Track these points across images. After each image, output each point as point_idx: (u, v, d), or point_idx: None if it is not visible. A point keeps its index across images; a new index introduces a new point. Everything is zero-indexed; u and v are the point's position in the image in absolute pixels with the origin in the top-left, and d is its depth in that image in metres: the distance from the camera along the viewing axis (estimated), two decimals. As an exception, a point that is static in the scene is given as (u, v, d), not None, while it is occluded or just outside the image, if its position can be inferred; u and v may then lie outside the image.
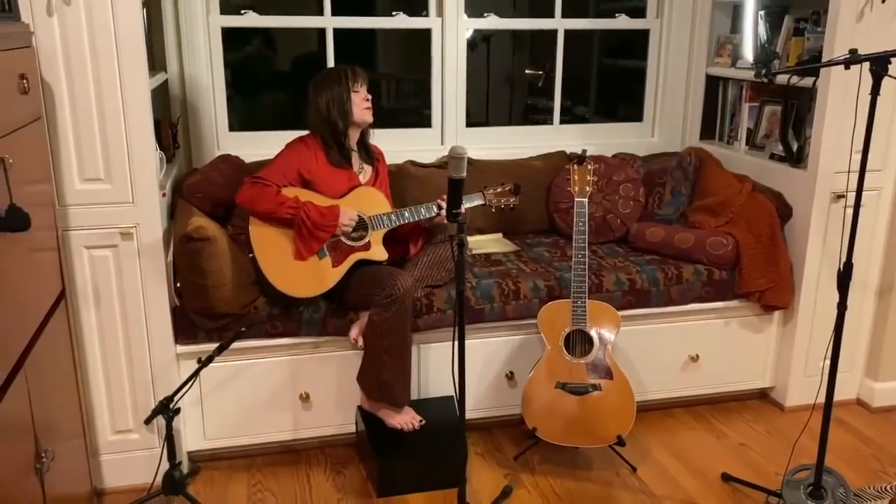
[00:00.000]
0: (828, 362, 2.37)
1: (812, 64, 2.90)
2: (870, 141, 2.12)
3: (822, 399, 2.41)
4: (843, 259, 2.25)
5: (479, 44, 4.43)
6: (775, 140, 3.26)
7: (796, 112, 3.18)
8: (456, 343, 2.13)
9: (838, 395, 3.19)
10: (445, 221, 2.76)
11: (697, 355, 3.11)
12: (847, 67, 2.09)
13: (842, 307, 2.27)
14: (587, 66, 4.60)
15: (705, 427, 3.10)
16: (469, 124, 3.63)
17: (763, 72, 2.62)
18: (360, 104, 2.73)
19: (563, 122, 3.76)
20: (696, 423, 3.13)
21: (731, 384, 3.22)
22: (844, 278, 2.23)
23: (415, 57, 3.63)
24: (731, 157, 3.45)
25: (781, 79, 3.06)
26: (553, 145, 3.64)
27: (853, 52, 2.07)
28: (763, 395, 3.32)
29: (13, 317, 1.80)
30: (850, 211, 2.23)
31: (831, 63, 2.18)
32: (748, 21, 3.24)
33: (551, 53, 3.68)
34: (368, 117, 2.77)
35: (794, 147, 3.14)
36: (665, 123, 3.81)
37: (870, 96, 2.06)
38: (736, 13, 3.54)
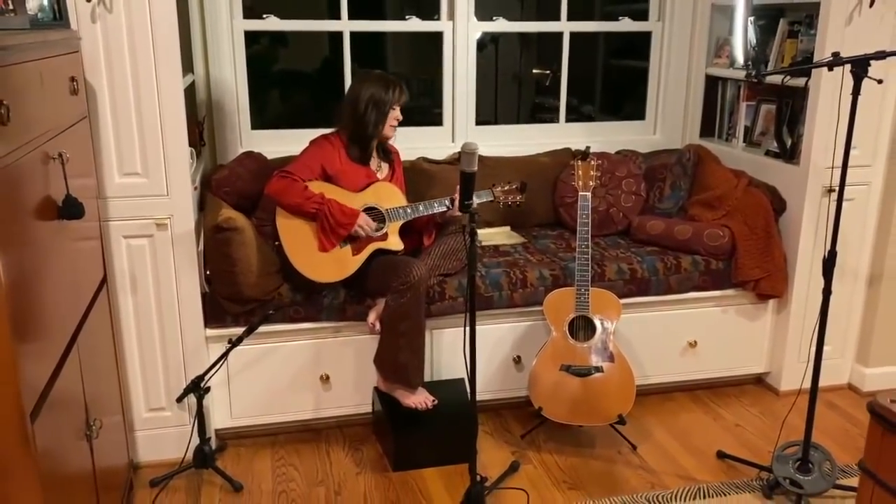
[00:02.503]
0: (815, 346, 2.53)
1: (798, 66, 3.06)
2: (851, 137, 2.29)
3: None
4: (829, 248, 2.42)
5: (488, 45, 4.58)
6: (771, 137, 3.43)
7: (791, 110, 3.34)
8: (467, 329, 2.30)
9: (831, 381, 3.39)
10: (458, 214, 2.94)
11: (695, 342, 3.28)
12: (830, 69, 2.25)
13: (827, 292, 2.43)
14: (593, 66, 4.75)
15: (703, 409, 3.27)
16: (477, 122, 3.80)
17: (753, 73, 2.78)
18: (392, 121, 2.91)
19: (569, 120, 3.93)
20: (695, 405, 3.30)
21: (728, 369, 3.38)
22: (829, 265, 2.40)
23: (424, 57, 3.79)
24: (730, 153, 3.62)
25: (776, 79, 3.22)
26: (559, 142, 3.81)
27: (835, 55, 2.24)
28: (759, 380, 3.48)
29: (68, 299, 1.98)
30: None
31: (815, 65, 2.35)
32: (738, 25, 3.41)
33: (558, 53, 3.85)
34: (391, 134, 2.95)
35: (788, 144, 3.30)
36: (666, 122, 3.98)
37: (851, 96, 2.22)
38: (734, 16, 3.70)
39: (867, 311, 3.35)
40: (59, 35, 2.09)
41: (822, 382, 3.23)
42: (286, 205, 2.79)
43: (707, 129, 3.88)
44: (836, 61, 2.22)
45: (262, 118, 3.74)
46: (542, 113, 4.82)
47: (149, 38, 2.46)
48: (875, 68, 2.28)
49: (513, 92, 5.09)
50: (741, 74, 3.52)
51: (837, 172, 3.02)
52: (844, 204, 3.12)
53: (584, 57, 4.31)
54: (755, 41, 3.31)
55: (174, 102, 2.54)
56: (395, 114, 2.90)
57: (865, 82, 2.22)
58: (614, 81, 4.68)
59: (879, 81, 2.23)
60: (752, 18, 3.32)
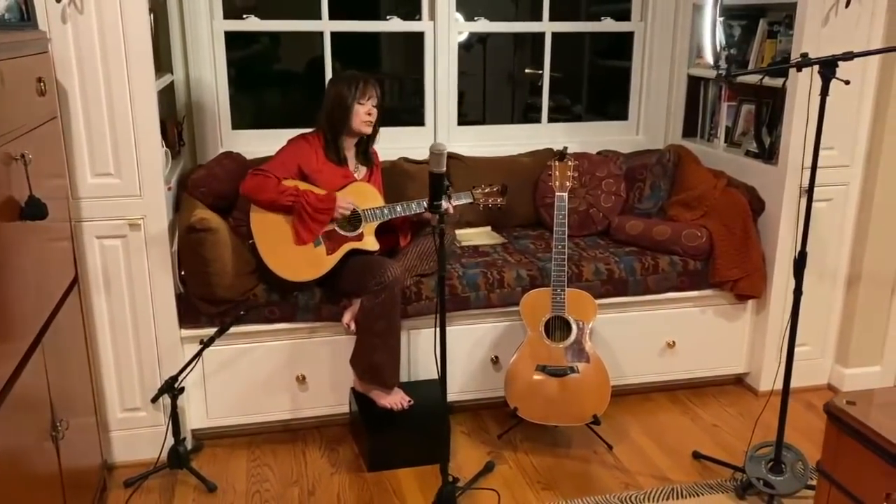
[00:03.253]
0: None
1: (770, 67, 3.06)
2: (820, 138, 2.29)
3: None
4: (799, 248, 2.42)
5: (476, 45, 4.58)
6: (751, 137, 3.42)
7: (771, 111, 3.34)
8: (438, 330, 2.31)
9: (810, 381, 3.39)
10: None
11: (674, 342, 3.27)
12: (799, 70, 2.25)
13: (798, 293, 2.43)
14: (580, 66, 4.75)
15: (681, 410, 3.27)
16: (467, 123, 3.79)
17: (722, 73, 2.78)
18: (362, 116, 2.89)
19: (557, 120, 3.94)
20: (673, 406, 3.30)
21: (708, 370, 3.38)
22: (799, 265, 2.40)
23: (417, 57, 3.79)
24: (711, 153, 3.61)
25: (754, 79, 3.22)
26: (542, 143, 3.81)
27: (804, 55, 2.24)
28: (738, 380, 3.48)
29: (32, 299, 1.98)
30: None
31: (784, 66, 2.34)
32: (706, 25, 3.41)
33: (551, 54, 3.84)
34: (366, 129, 2.93)
35: (767, 144, 3.30)
36: (649, 122, 3.98)
37: (819, 97, 2.22)
38: (703, 16, 3.69)
39: (846, 312, 3.34)
40: (26, 36, 2.10)
41: (801, 383, 3.27)
42: (261, 201, 2.79)
43: (689, 130, 3.88)
44: (804, 62, 2.22)
45: (244, 118, 3.74)
46: (534, 113, 4.82)
47: (120, 39, 2.46)
48: (851, 69, 2.28)
49: (506, 92, 5.08)
50: (723, 74, 3.53)
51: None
52: (824, 204, 3.17)
53: (573, 57, 4.30)
54: (724, 41, 3.31)
55: (147, 103, 2.54)
56: (365, 108, 2.88)
57: (838, 84, 2.22)
58: (601, 82, 4.68)
59: (846, 82, 2.22)
60: (721, 19, 3.32)
